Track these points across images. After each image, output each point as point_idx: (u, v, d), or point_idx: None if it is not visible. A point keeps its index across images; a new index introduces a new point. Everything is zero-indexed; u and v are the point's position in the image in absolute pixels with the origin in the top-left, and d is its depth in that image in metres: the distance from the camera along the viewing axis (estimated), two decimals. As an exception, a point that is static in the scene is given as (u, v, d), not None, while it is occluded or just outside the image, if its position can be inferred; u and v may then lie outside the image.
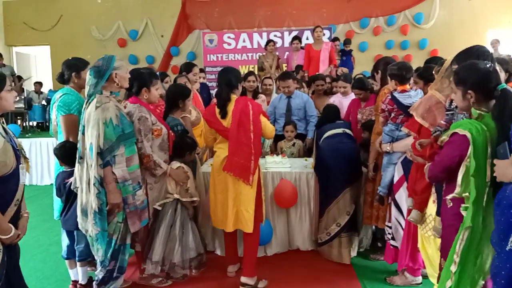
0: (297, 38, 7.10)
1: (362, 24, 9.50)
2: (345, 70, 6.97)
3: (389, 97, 2.78)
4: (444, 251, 1.97)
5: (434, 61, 3.00)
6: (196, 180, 3.20)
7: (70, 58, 3.15)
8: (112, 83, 2.56)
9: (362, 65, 8.27)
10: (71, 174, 2.67)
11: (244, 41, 9.11)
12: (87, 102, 2.53)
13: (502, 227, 1.45)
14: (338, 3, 9.45)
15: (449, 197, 1.87)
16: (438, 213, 2.18)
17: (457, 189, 1.81)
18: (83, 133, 2.52)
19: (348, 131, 3.43)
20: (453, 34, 8.98)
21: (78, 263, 2.86)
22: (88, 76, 2.54)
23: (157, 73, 4.26)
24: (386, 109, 2.79)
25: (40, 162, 6.58)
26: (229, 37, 9.14)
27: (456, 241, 1.79)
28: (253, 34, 9.07)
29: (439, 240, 2.11)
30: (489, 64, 1.80)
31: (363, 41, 9.38)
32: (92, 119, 2.45)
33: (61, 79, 3.15)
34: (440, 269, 1.99)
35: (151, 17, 9.96)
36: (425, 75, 2.73)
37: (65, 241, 2.86)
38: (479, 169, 1.72)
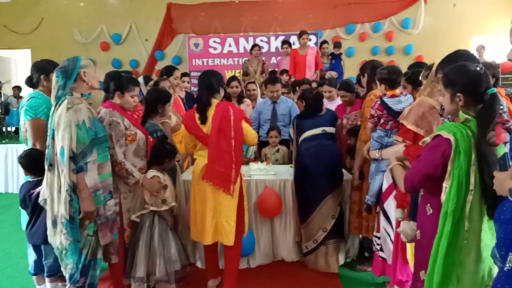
0: (287, 42, 6.98)
1: (348, 30, 9.49)
2: (334, 73, 6.88)
3: (379, 102, 2.65)
4: (421, 260, 1.86)
5: (417, 66, 2.91)
6: (176, 189, 3.04)
7: (39, 60, 2.98)
8: (81, 82, 2.40)
9: (349, 71, 8.22)
10: (37, 184, 2.48)
11: (230, 45, 9.01)
12: (56, 104, 2.35)
13: (502, 243, 1.33)
14: (325, 9, 9.42)
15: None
16: (410, 216, 2.07)
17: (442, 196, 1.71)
18: (53, 137, 2.34)
19: (328, 129, 3.23)
20: (438, 40, 9.01)
21: (47, 279, 2.67)
22: (54, 78, 2.37)
23: (141, 76, 4.10)
24: (376, 114, 2.67)
25: (17, 169, 6.30)
26: (215, 42, 9.03)
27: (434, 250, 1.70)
28: (239, 39, 8.97)
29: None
30: (480, 67, 1.69)
31: (349, 46, 9.35)
32: (64, 121, 2.27)
33: (30, 82, 2.99)
34: (418, 280, 1.87)
35: (135, 21, 9.78)
36: (414, 80, 2.62)
37: (31, 256, 2.67)
38: (460, 175, 1.62)
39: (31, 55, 10.00)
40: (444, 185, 1.69)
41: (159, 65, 9.60)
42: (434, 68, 2.12)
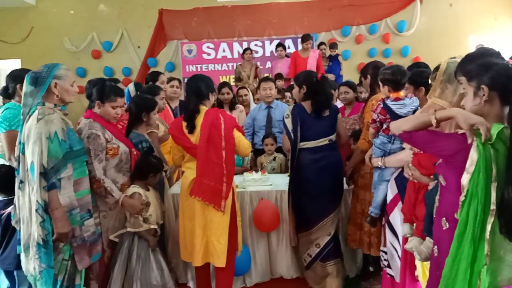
0: (281, 45, 6.86)
1: (344, 32, 9.33)
2: (331, 76, 6.71)
3: (381, 105, 2.43)
4: (439, 279, 1.63)
5: (416, 66, 2.72)
6: (164, 205, 2.81)
7: (15, 69, 2.78)
8: (51, 94, 2.17)
9: (345, 74, 8.03)
10: (7, 204, 2.27)
11: (224, 50, 8.84)
12: (26, 115, 2.13)
13: None
14: (319, 12, 9.26)
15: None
16: (425, 231, 1.86)
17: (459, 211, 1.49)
18: (23, 152, 2.12)
19: (333, 137, 2.87)
20: (435, 41, 8.89)
21: (22, 308, 2.43)
22: (24, 84, 2.15)
23: (132, 83, 3.86)
24: (378, 119, 2.44)
25: None
26: (208, 47, 8.85)
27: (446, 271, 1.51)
28: (233, 44, 8.79)
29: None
30: (508, 63, 1.50)
31: (345, 49, 9.18)
32: (33, 134, 2.06)
33: (5, 93, 2.78)
34: None
35: (127, 28, 9.59)
36: (416, 80, 2.42)
37: (4, 283, 2.45)
38: (480, 195, 1.41)
39: (21, 65, 9.78)
40: (460, 198, 1.49)
41: (152, 73, 9.40)
42: (441, 67, 1.93)
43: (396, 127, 1.75)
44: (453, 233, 1.54)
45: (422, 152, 1.94)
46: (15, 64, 9.99)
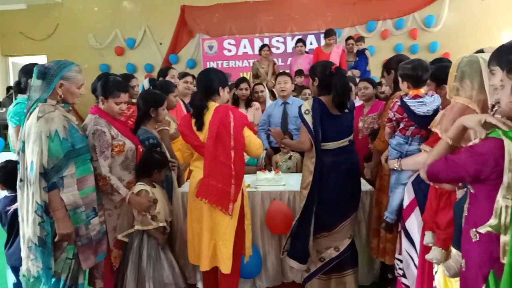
0: (301, 41, 6.72)
1: (369, 28, 9.08)
2: (356, 72, 6.47)
3: (398, 103, 2.25)
4: None
5: (438, 61, 2.56)
6: (172, 203, 2.75)
7: (27, 64, 2.77)
8: (55, 93, 2.11)
9: (371, 70, 7.80)
10: (14, 200, 2.25)
11: (245, 47, 8.76)
12: (28, 111, 2.11)
13: None
14: (343, 6, 9.04)
15: (481, 229, 1.36)
16: (454, 243, 1.70)
17: (493, 220, 1.33)
18: (23, 151, 2.09)
19: (352, 136, 2.64)
20: (465, 37, 8.52)
21: (29, 303, 2.42)
22: (33, 76, 2.12)
23: (147, 79, 3.82)
24: (394, 118, 2.27)
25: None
26: (229, 43, 8.79)
27: None
28: (254, 40, 8.69)
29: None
30: None
31: (370, 45, 8.90)
32: (33, 132, 2.02)
33: (18, 88, 2.78)
34: None
35: (149, 25, 9.68)
36: (439, 76, 2.24)
37: (10, 278, 2.44)
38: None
39: (47, 61, 10.03)
40: (499, 201, 1.32)
41: (173, 69, 9.43)
42: (455, 62, 1.79)
43: (421, 165, 1.62)
44: (483, 246, 1.40)
45: None
46: (42, 60, 10.24)
